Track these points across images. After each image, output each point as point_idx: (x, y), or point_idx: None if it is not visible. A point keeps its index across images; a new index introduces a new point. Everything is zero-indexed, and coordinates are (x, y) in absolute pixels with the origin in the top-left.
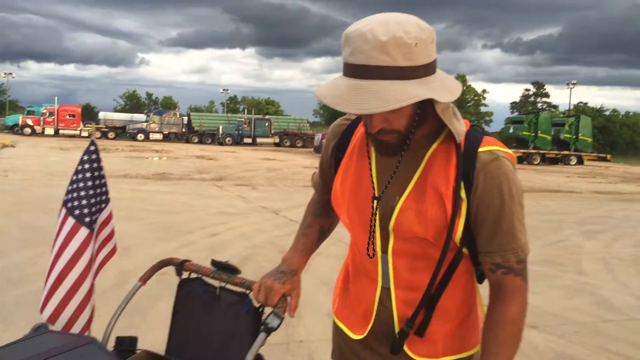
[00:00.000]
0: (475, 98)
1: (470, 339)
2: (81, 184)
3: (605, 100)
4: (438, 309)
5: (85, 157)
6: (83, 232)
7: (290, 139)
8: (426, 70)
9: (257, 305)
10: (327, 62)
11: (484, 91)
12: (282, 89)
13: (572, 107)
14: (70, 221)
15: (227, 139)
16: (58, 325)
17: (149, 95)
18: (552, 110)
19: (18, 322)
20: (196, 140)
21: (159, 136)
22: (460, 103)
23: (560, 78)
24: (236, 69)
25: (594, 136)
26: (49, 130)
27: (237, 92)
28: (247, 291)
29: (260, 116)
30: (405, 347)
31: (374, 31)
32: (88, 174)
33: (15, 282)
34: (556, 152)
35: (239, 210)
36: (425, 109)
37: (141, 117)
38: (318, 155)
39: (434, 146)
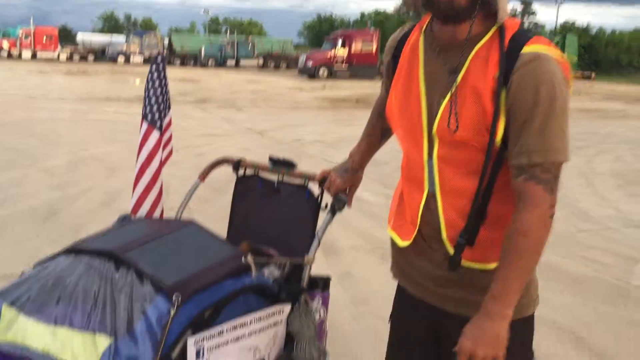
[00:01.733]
0: None
1: None
2: (151, 92)
3: (591, 18)
4: (487, 215)
5: (154, 68)
6: (155, 134)
7: (275, 61)
8: None
9: (315, 195)
10: None
11: None
12: (264, 9)
13: (559, 26)
14: (145, 124)
15: (209, 61)
16: (140, 216)
17: (128, 17)
18: (540, 29)
19: (7, 239)
20: (178, 62)
21: (139, 59)
22: None
23: None
24: None
25: (580, 55)
26: (26, 54)
27: (219, 13)
28: (306, 182)
29: (243, 37)
30: (452, 253)
31: None
32: (157, 83)
33: (1, 202)
34: None
35: (224, 132)
36: None
37: (121, 38)
38: (303, 77)
39: (478, 46)
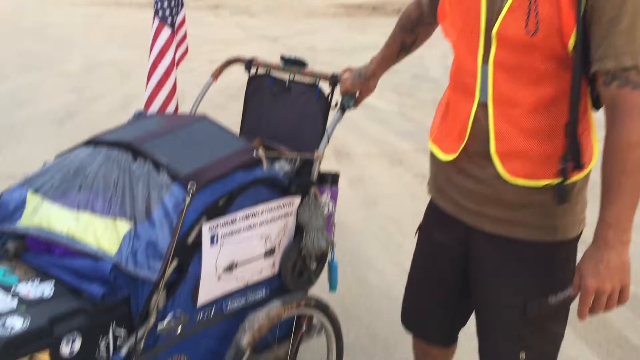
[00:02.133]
0: None
1: (590, 151)
2: None
3: None
4: (539, 129)
5: None
6: (166, 31)
7: None
8: None
9: (326, 94)
10: None
11: None
12: None
13: None
14: (156, 21)
15: None
16: (152, 112)
17: None
18: None
19: (28, 139)
20: None
21: None
22: None
23: None
24: None
25: None
26: None
27: None
28: (317, 81)
29: None
30: (501, 169)
31: None
32: None
33: (20, 104)
34: None
35: (237, 38)
36: None
37: None
38: None
39: None
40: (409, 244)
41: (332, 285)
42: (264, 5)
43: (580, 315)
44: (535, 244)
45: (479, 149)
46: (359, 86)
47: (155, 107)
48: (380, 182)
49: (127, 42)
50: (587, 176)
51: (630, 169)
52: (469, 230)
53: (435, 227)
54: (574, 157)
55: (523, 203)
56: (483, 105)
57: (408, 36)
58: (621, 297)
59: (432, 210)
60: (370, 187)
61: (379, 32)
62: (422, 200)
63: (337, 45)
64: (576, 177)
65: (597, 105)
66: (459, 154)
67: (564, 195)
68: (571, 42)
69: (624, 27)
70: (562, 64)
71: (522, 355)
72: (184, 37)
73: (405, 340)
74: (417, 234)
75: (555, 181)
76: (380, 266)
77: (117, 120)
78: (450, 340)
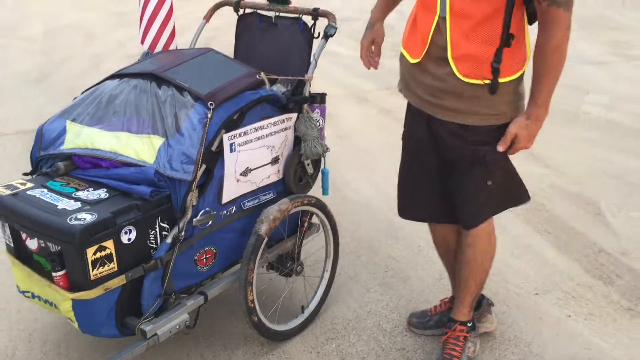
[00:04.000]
0: None
1: (512, 66)
2: None
3: None
4: (486, 35)
5: None
6: None
7: None
8: None
9: (309, 25)
10: None
11: None
12: None
13: None
14: None
15: None
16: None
17: None
18: None
19: (12, 100)
20: None
21: None
22: None
23: None
24: None
25: None
26: None
27: None
28: (300, 15)
29: None
30: (455, 69)
31: None
32: None
33: None
34: None
35: None
36: None
37: None
38: None
39: None
40: (380, 167)
41: (325, 189)
42: None
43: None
44: (482, 128)
45: (438, 53)
46: (370, 36)
47: (159, 47)
48: (350, 119)
49: (85, 5)
50: (521, 76)
51: (552, 65)
52: (430, 119)
53: (409, 123)
54: (498, 60)
55: (471, 95)
56: (442, 19)
57: None
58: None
59: (407, 111)
60: (342, 123)
61: None
62: (387, 131)
63: None
64: (509, 77)
65: (530, 21)
66: (423, 57)
67: (494, 89)
68: None
69: None
70: None
71: (489, 182)
72: None
73: (385, 241)
74: (402, 139)
75: (501, 80)
76: (358, 186)
77: (91, 79)
78: (446, 217)
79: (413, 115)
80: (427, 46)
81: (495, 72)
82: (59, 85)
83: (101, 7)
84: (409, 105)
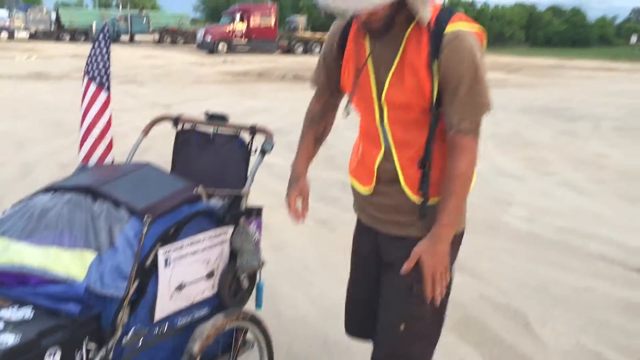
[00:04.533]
0: None
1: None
2: (99, 57)
3: None
4: (432, 159)
5: (100, 37)
6: (104, 94)
7: (171, 36)
8: None
9: (246, 142)
10: None
11: None
12: None
13: (446, 1)
14: (93, 86)
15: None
16: (90, 164)
17: None
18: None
19: None
20: (68, 38)
21: (25, 34)
22: None
23: None
24: None
25: None
26: None
27: None
28: (238, 132)
29: (137, 12)
30: (407, 191)
31: None
32: (104, 50)
33: None
34: None
35: (129, 107)
36: None
37: (2, 13)
38: (202, 52)
39: (409, 29)
40: (316, 279)
41: (258, 303)
42: (151, 74)
43: (429, 292)
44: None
45: (387, 178)
46: (297, 191)
47: (92, 161)
48: (286, 230)
49: (16, 113)
50: None
51: (455, 190)
52: (378, 235)
53: (359, 240)
54: (425, 182)
55: (414, 211)
56: (388, 150)
57: (318, 127)
58: (445, 275)
59: (357, 228)
60: (277, 234)
61: (268, 97)
62: (322, 242)
63: (230, 110)
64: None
65: None
66: (374, 184)
67: (423, 212)
68: (433, 101)
69: (463, 92)
70: (435, 114)
71: (402, 326)
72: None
73: (321, 358)
74: (351, 257)
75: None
76: (293, 300)
77: (20, 188)
78: None
79: (361, 231)
80: (375, 174)
81: (425, 194)
82: None
83: (32, 115)
84: (358, 222)
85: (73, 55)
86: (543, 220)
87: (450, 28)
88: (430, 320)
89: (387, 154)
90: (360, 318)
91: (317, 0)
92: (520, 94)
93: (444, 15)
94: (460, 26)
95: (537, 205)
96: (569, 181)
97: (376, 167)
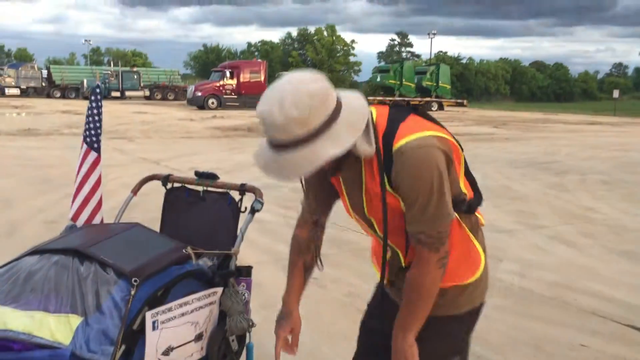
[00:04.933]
0: (345, 48)
1: (462, 273)
2: (90, 119)
3: (462, 49)
4: None
5: (93, 98)
6: (92, 155)
7: (162, 92)
8: (328, 123)
9: (236, 200)
10: (193, 11)
11: (352, 41)
12: (148, 40)
13: (433, 56)
14: (84, 147)
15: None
16: (79, 223)
17: (0, 47)
18: (416, 59)
19: None
20: (58, 94)
21: (16, 91)
22: (331, 53)
23: (422, 28)
24: (96, 18)
25: (453, 83)
26: None
27: (100, 44)
28: (228, 191)
29: (127, 68)
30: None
31: (273, 114)
32: (95, 110)
33: None
34: (419, 99)
35: (118, 162)
36: None
37: None
38: (192, 108)
39: (363, 165)
40: (305, 337)
41: None
42: (140, 129)
43: None
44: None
45: (397, 271)
46: (288, 326)
47: (82, 218)
48: (277, 287)
49: (4, 171)
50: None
51: (415, 297)
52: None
53: (375, 316)
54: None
55: None
56: (393, 251)
57: (306, 256)
58: None
59: (375, 304)
60: (268, 291)
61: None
62: (313, 299)
63: (219, 166)
64: (469, 279)
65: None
66: (387, 275)
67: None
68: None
69: (418, 207)
70: None
71: None
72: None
73: None
74: (360, 330)
75: (453, 284)
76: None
77: (6, 247)
78: None
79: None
80: (387, 270)
81: None
82: None
83: (20, 173)
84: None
85: (63, 111)
86: (535, 275)
87: (397, 145)
88: None
89: (393, 254)
90: None
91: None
92: (508, 147)
93: (390, 132)
94: (405, 140)
95: (528, 260)
96: (559, 234)
97: (387, 261)
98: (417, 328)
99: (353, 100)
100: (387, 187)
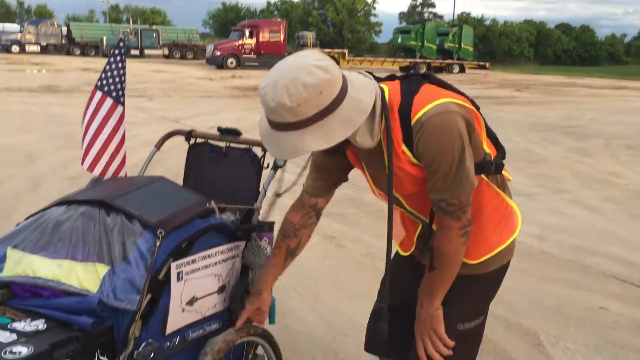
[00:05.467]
0: (366, 8)
1: (505, 231)
2: (115, 72)
3: (486, 10)
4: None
5: (117, 52)
6: (119, 109)
7: (180, 51)
8: (322, 114)
9: (259, 157)
10: None
11: (373, 1)
12: None
13: (456, 17)
14: (109, 101)
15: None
16: (105, 177)
17: (20, 3)
18: (438, 20)
19: None
20: (78, 52)
21: (36, 48)
22: (351, 13)
23: None
24: None
25: (475, 45)
26: None
27: (119, 1)
28: (251, 147)
29: (147, 26)
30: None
31: (267, 96)
32: (119, 64)
33: None
34: (441, 61)
35: (138, 120)
36: None
37: (14, 27)
38: (211, 67)
39: (381, 132)
40: (323, 294)
41: (272, 318)
42: (159, 88)
43: (422, 356)
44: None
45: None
46: (257, 303)
47: (108, 174)
48: None
49: (26, 127)
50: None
51: (442, 266)
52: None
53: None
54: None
55: None
56: (424, 224)
57: (292, 241)
58: (439, 337)
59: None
60: None
61: None
62: (332, 258)
63: (238, 125)
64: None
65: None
66: (413, 251)
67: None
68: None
69: (440, 174)
70: None
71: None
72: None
73: None
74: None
75: (482, 259)
76: (301, 314)
77: (30, 201)
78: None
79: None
80: (414, 244)
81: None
82: None
83: (42, 129)
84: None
85: (83, 69)
86: (555, 238)
87: (415, 118)
88: (465, 353)
89: (424, 227)
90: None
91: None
92: (530, 111)
93: (405, 106)
94: (422, 111)
95: (548, 223)
96: (580, 199)
97: (415, 238)
98: (443, 293)
99: (360, 90)
100: (414, 160)
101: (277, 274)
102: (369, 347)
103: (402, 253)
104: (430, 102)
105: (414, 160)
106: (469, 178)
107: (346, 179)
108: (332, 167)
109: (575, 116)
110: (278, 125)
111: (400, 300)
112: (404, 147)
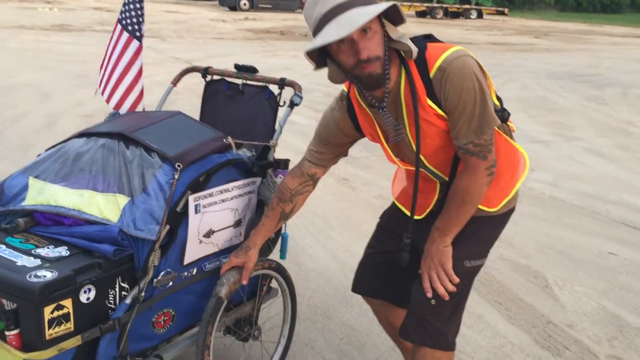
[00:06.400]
0: None
1: (515, 174)
2: (132, 6)
3: None
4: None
5: None
6: (135, 43)
7: None
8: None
9: (275, 94)
10: None
11: None
12: None
13: None
14: (125, 35)
15: None
16: (122, 111)
17: None
18: None
19: None
20: None
21: None
22: None
23: None
24: None
25: None
26: None
27: None
28: (268, 84)
29: None
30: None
31: None
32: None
33: None
34: (458, 6)
35: (151, 61)
36: (389, 39)
37: None
38: (224, 8)
39: (402, 87)
40: (335, 234)
41: (283, 253)
42: (172, 29)
43: (427, 288)
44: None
45: (440, 203)
46: (243, 259)
47: (125, 108)
48: None
49: (40, 64)
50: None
51: (460, 202)
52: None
53: (392, 216)
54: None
55: None
56: (442, 182)
57: (287, 205)
58: (446, 272)
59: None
60: None
61: (290, 54)
62: (343, 199)
63: None
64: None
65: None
66: (427, 215)
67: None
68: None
69: (465, 118)
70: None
71: (432, 301)
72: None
73: (340, 308)
74: (378, 224)
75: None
76: (313, 252)
77: (47, 137)
78: (397, 301)
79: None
80: (431, 206)
81: None
82: (11, 143)
83: (55, 67)
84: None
85: (95, 8)
86: (567, 185)
87: (434, 68)
88: (457, 296)
89: (442, 185)
90: (371, 281)
91: (314, 43)
92: (548, 58)
93: (420, 61)
94: (440, 60)
95: (561, 170)
96: (594, 147)
97: (434, 201)
98: (455, 232)
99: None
100: (439, 111)
101: (268, 234)
102: (357, 288)
103: (408, 215)
104: (444, 52)
105: (440, 112)
106: (492, 115)
107: (346, 154)
108: (338, 141)
109: (593, 64)
110: (343, 7)
111: (394, 247)
112: (429, 101)
